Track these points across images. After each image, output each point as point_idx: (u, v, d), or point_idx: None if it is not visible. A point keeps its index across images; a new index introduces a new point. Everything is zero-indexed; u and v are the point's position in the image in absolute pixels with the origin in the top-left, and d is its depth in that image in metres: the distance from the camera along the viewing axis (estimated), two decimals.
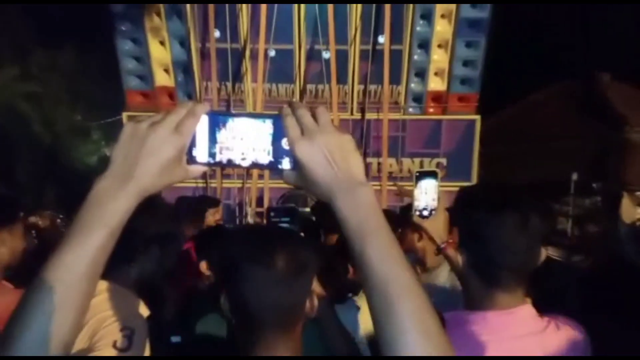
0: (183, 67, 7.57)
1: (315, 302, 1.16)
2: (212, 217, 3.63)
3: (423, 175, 1.60)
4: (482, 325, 1.21)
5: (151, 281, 1.63)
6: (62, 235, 0.74)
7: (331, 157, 0.75)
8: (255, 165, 0.77)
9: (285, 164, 0.78)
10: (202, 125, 0.78)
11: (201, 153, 0.78)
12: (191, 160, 0.78)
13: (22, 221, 2.14)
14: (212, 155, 0.78)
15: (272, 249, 1.12)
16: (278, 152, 0.77)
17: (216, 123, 0.77)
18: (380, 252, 0.73)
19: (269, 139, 0.77)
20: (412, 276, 0.73)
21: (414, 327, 0.70)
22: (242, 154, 0.77)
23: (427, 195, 1.58)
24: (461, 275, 1.33)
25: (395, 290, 0.72)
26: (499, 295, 1.24)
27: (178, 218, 1.69)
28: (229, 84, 7.56)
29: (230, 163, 0.78)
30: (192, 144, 0.78)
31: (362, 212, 0.75)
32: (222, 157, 0.77)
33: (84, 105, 14.30)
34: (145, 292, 1.63)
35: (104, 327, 1.44)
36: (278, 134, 0.77)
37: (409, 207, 1.67)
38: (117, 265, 1.59)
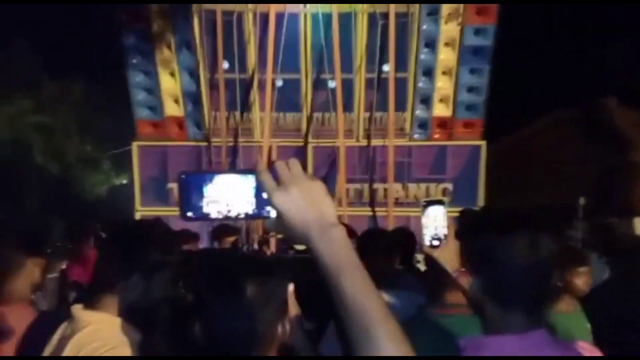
0: (192, 98, 7.72)
1: (288, 327, 1.19)
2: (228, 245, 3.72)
3: (430, 203, 1.63)
4: (498, 350, 1.22)
5: (138, 309, 1.62)
6: None
7: (304, 203, 0.86)
8: (240, 215, 0.87)
9: (267, 213, 0.88)
10: (189, 185, 0.87)
11: (190, 208, 0.87)
12: (183, 216, 0.87)
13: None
14: (199, 208, 0.87)
15: (240, 279, 1.16)
16: (260, 203, 0.88)
17: (203, 180, 0.87)
18: (354, 284, 0.84)
19: (252, 192, 0.89)
20: (383, 303, 0.84)
21: (389, 348, 0.82)
22: (228, 205, 0.86)
23: (436, 223, 1.61)
24: (474, 302, 1.32)
25: (370, 317, 0.83)
26: (514, 317, 1.24)
27: (170, 247, 1.71)
28: (237, 114, 7.70)
29: (217, 214, 0.87)
30: (182, 202, 0.87)
31: (335, 250, 0.85)
32: (209, 209, 0.87)
33: (94, 136, 14.51)
34: (135, 319, 1.63)
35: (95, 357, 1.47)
36: (260, 187, 0.87)
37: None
38: (103, 294, 1.61)
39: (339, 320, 0.85)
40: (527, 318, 1.25)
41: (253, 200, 0.88)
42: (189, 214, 0.88)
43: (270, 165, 0.86)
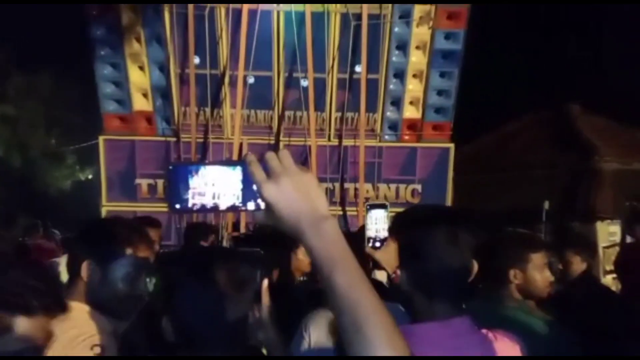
0: (162, 92, 7.60)
1: (259, 316, 1.20)
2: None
3: (373, 207, 1.73)
4: (423, 337, 1.28)
5: (105, 299, 1.65)
6: None
7: (296, 195, 0.83)
8: (226, 208, 0.85)
9: (255, 205, 0.86)
10: (176, 176, 0.85)
11: (177, 200, 0.85)
12: (171, 208, 0.85)
13: None
14: (185, 201, 0.85)
15: (212, 267, 1.16)
16: (248, 195, 0.86)
17: (189, 172, 0.85)
18: (347, 278, 0.80)
19: (239, 184, 0.86)
20: (376, 298, 0.81)
21: (382, 344, 0.77)
22: (214, 198, 0.84)
23: (377, 225, 1.70)
24: (404, 294, 1.41)
25: (362, 312, 0.78)
26: (438, 306, 1.33)
27: (123, 239, 1.72)
28: (208, 110, 7.61)
29: (202, 207, 0.85)
30: (169, 194, 0.85)
31: (327, 243, 0.82)
32: (194, 202, 0.85)
33: (60, 129, 14.18)
34: (106, 309, 1.66)
35: (74, 346, 1.45)
36: (247, 179, 0.85)
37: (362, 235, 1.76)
38: (72, 283, 1.64)
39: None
40: (450, 307, 1.34)
41: (239, 193, 0.86)
42: (177, 206, 0.86)
43: (261, 157, 0.84)
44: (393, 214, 1.70)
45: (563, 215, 10.48)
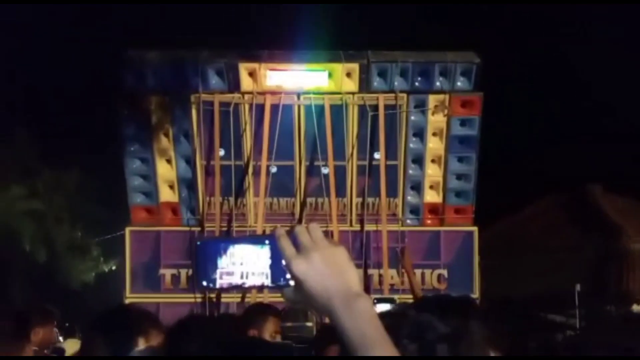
0: (187, 184, 7.83)
1: None
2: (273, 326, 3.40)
3: (380, 301, 1.73)
4: None
5: None
6: None
7: (327, 271, 0.80)
8: (255, 287, 0.85)
9: (285, 282, 0.83)
10: (204, 253, 0.87)
11: (205, 278, 0.86)
12: (199, 285, 0.87)
13: None
14: (213, 280, 0.85)
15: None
16: (277, 272, 0.83)
17: (217, 250, 0.86)
18: None
19: (267, 261, 0.84)
20: None
21: None
22: (242, 277, 0.85)
23: None
24: None
25: None
26: None
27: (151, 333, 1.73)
28: (232, 199, 7.77)
29: (231, 287, 0.86)
30: (197, 271, 0.87)
31: (360, 323, 0.78)
32: (222, 282, 0.85)
33: (85, 223, 14.45)
34: None
35: None
36: (276, 255, 0.82)
37: None
38: None
39: None
40: None
41: (268, 270, 0.84)
42: (204, 283, 0.87)
43: (290, 230, 0.83)
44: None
45: (595, 299, 10.09)
